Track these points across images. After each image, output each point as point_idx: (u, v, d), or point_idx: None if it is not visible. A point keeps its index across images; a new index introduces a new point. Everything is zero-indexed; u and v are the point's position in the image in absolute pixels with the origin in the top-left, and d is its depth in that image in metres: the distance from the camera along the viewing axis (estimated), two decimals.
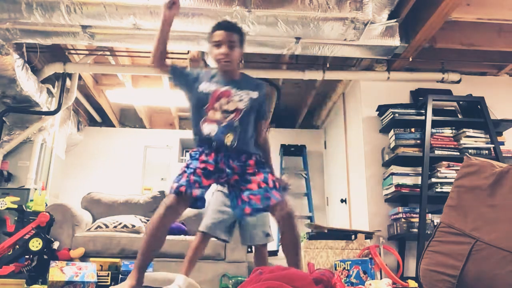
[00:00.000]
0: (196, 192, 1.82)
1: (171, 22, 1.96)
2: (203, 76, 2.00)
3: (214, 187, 2.35)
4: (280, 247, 2.00)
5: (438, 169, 3.59)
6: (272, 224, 2.35)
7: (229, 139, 1.88)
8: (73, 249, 3.26)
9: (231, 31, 1.94)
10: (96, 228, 3.49)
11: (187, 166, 1.90)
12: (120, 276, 2.63)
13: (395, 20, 3.50)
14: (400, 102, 4.03)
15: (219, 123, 1.89)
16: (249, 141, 1.96)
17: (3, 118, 4.18)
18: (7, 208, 2.97)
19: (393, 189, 3.68)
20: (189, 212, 4.00)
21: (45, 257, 2.74)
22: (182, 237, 3.49)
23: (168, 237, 3.49)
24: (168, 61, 2.05)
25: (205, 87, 1.95)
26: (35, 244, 2.72)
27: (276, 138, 5.80)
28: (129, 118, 6.18)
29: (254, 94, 1.97)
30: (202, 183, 1.85)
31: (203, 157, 1.89)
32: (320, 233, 3.34)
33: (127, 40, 3.53)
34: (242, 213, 1.89)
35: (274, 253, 3.93)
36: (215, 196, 2.48)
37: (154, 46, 1.98)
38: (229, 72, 1.98)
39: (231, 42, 1.92)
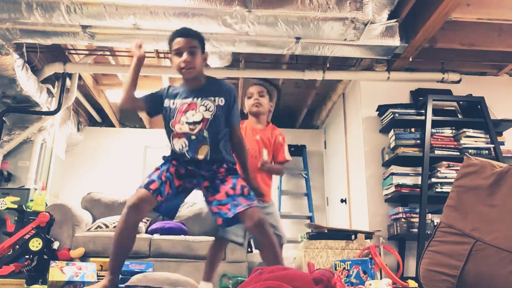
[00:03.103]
0: (165, 195, 1.81)
1: (142, 63, 1.96)
2: (167, 92, 1.99)
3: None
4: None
5: (438, 169, 3.59)
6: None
7: (202, 152, 1.86)
8: (73, 249, 3.26)
9: (189, 37, 1.90)
10: (96, 228, 3.49)
11: (161, 165, 1.92)
12: (120, 276, 2.63)
13: (395, 20, 3.50)
14: (400, 102, 4.03)
15: (188, 135, 1.87)
16: (221, 149, 1.91)
17: (3, 118, 4.18)
18: (7, 208, 2.97)
19: (393, 189, 3.68)
20: (189, 212, 4.01)
21: (45, 257, 2.74)
22: (182, 237, 3.49)
23: (168, 237, 3.51)
24: (137, 100, 2.00)
25: (170, 102, 1.94)
26: (35, 244, 2.72)
27: None
28: (129, 118, 6.17)
29: (221, 101, 1.92)
30: (173, 183, 1.85)
31: (175, 162, 1.90)
32: (320, 233, 3.34)
33: (127, 40, 3.53)
34: (214, 222, 1.88)
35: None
36: None
37: (125, 89, 1.93)
38: (193, 80, 1.95)
39: (191, 47, 1.88)
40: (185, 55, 1.87)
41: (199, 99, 1.90)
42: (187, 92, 1.95)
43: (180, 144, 1.88)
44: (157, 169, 1.89)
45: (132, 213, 1.78)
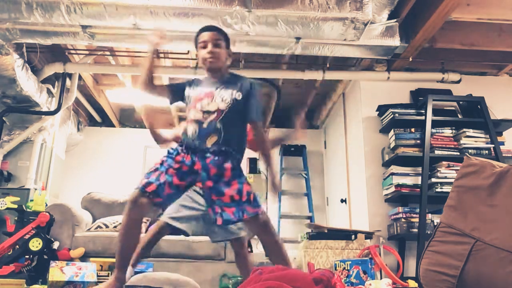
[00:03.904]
0: (163, 196, 1.81)
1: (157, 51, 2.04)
2: (192, 83, 2.04)
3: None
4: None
5: (438, 169, 3.59)
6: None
7: (211, 141, 1.86)
8: (73, 249, 3.26)
9: (215, 31, 2.00)
10: (96, 228, 3.49)
11: (161, 163, 1.87)
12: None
13: (395, 20, 3.50)
14: (400, 102, 4.03)
15: (200, 123, 1.88)
16: (232, 144, 1.90)
17: (3, 118, 4.18)
18: (7, 208, 2.97)
19: (393, 189, 3.68)
20: None
21: (45, 257, 2.74)
22: (181, 237, 3.48)
23: (168, 237, 3.51)
24: (158, 85, 2.06)
25: (190, 91, 2.00)
26: (35, 244, 2.72)
27: None
28: (129, 118, 6.18)
29: (238, 95, 1.93)
30: (173, 183, 1.83)
31: (179, 157, 1.87)
32: (320, 233, 3.33)
33: (127, 40, 3.53)
34: (214, 222, 1.88)
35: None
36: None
37: (144, 72, 1.98)
38: (216, 72, 1.99)
39: (216, 40, 1.96)
40: (209, 46, 1.95)
41: (217, 89, 1.94)
42: (209, 83, 1.99)
43: (191, 130, 1.90)
44: (156, 169, 1.86)
45: (131, 209, 1.79)
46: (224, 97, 1.91)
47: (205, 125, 1.87)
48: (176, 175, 1.84)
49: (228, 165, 1.86)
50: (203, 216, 2.40)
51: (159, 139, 2.41)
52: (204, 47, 1.96)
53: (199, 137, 1.87)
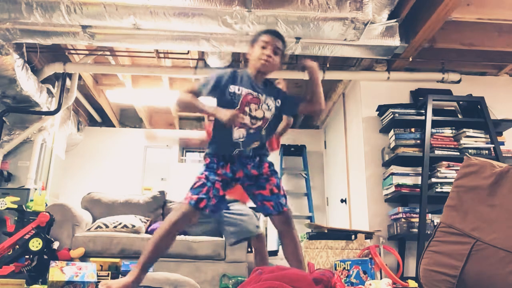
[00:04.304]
0: (212, 207, 1.90)
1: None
2: (232, 77, 1.96)
3: None
4: (281, 249, 2.02)
5: (438, 169, 3.59)
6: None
7: (253, 146, 1.94)
8: (73, 249, 3.26)
9: (279, 38, 1.98)
10: (96, 228, 3.49)
11: (207, 178, 1.91)
12: (120, 276, 2.63)
13: (395, 20, 3.50)
14: (400, 102, 4.04)
15: (248, 128, 1.91)
16: (266, 147, 2.03)
17: (3, 118, 4.18)
18: (7, 208, 2.96)
19: (393, 189, 3.68)
20: None
21: (45, 257, 2.74)
22: (182, 237, 3.48)
23: None
24: (190, 92, 1.93)
25: (235, 88, 1.93)
26: (35, 244, 2.72)
27: None
28: (129, 118, 6.18)
29: (278, 102, 1.99)
30: (219, 195, 1.92)
31: (220, 171, 1.93)
32: (320, 233, 3.33)
33: (127, 40, 3.53)
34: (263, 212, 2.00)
35: (274, 253, 3.93)
36: None
37: (188, 103, 1.91)
38: (263, 75, 1.99)
39: (277, 47, 1.95)
40: (269, 49, 1.93)
41: (264, 96, 1.95)
42: (253, 84, 1.96)
43: (239, 134, 1.91)
44: (203, 184, 1.89)
45: (181, 220, 1.86)
46: (270, 105, 1.95)
47: (252, 131, 1.91)
48: (221, 188, 1.93)
49: (265, 163, 1.99)
50: (219, 218, 2.45)
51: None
52: (264, 47, 1.94)
53: (245, 143, 1.91)
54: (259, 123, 1.92)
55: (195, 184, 1.91)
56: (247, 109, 1.91)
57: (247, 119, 1.90)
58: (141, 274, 1.85)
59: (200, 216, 1.94)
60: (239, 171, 1.94)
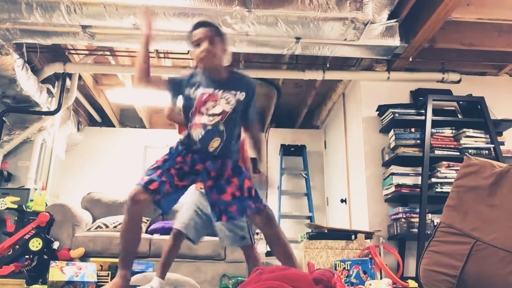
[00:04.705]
0: (164, 194, 1.81)
1: (150, 40, 2.01)
2: (189, 79, 1.96)
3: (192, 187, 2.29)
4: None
5: (438, 169, 3.59)
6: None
7: (214, 144, 1.86)
8: (73, 249, 3.26)
9: (207, 27, 1.90)
10: (96, 228, 3.49)
11: (163, 162, 1.88)
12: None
13: (395, 20, 3.50)
14: (400, 102, 4.03)
15: (205, 126, 1.86)
16: (231, 147, 1.92)
17: (3, 118, 4.18)
18: (7, 208, 2.97)
19: (393, 189, 3.68)
20: None
21: (45, 257, 2.74)
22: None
23: (166, 237, 3.50)
24: (154, 77, 2.00)
25: (191, 91, 1.91)
26: (35, 244, 2.72)
27: (276, 138, 5.80)
28: (129, 118, 6.18)
29: (242, 95, 1.91)
30: (173, 183, 1.84)
31: (180, 158, 1.88)
32: (320, 233, 3.33)
33: (127, 40, 3.53)
34: (219, 219, 1.90)
35: (272, 253, 3.92)
36: (192, 195, 2.46)
37: (139, 65, 1.93)
38: (215, 70, 1.92)
39: (211, 37, 1.87)
40: (204, 44, 1.86)
41: (221, 91, 1.89)
42: (208, 82, 1.92)
43: (197, 134, 1.87)
44: (157, 167, 1.86)
45: (132, 205, 1.79)
46: (228, 98, 1.88)
47: (209, 128, 1.86)
48: (176, 175, 1.85)
49: (228, 164, 1.90)
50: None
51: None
52: (199, 44, 1.88)
53: (204, 140, 1.86)
54: (217, 118, 1.86)
55: (150, 166, 1.87)
56: (203, 109, 1.87)
57: (204, 119, 1.86)
58: (122, 272, 1.82)
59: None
60: (198, 164, 1.87)
